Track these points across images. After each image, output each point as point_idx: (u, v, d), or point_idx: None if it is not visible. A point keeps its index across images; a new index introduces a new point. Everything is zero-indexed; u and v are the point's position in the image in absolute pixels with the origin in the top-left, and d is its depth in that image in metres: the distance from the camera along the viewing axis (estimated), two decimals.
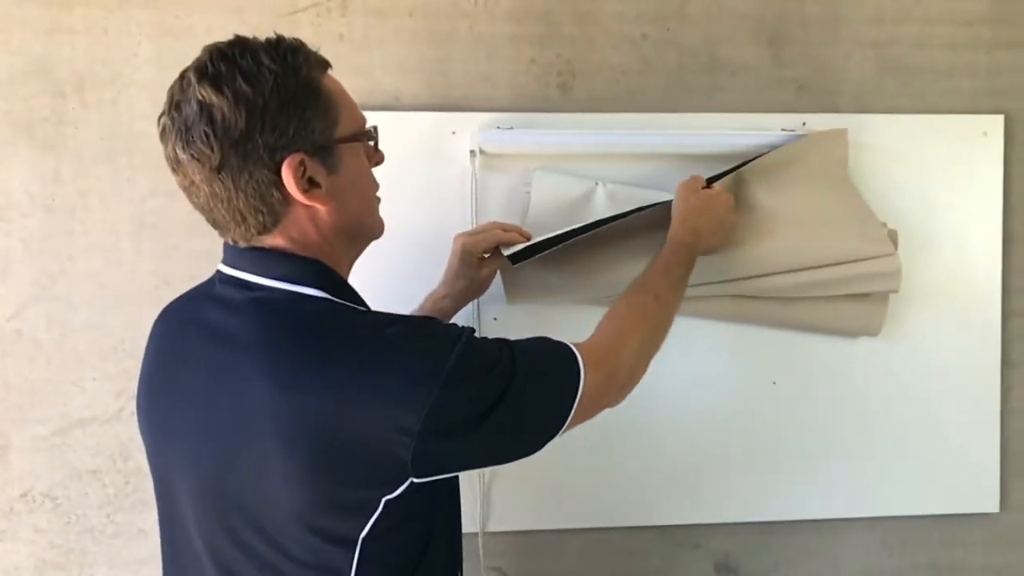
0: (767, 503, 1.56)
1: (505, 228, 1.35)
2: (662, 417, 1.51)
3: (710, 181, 1.38)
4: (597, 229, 1.36)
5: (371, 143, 1.04)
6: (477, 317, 1.47)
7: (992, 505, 1.59)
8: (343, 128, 0.97)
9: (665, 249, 1.28)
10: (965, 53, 1.57)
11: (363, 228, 1.04)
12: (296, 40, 0.96)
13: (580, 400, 1.00)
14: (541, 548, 1.55)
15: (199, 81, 0.90)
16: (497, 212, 1.47)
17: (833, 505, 1.56)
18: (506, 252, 1.33)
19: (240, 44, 0.93)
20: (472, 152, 1.44)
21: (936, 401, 1.56)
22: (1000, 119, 1.56)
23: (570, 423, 1.01)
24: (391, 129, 1.43)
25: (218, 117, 0.89)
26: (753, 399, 1.53)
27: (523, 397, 0.95)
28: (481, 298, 1.44)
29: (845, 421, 1.55)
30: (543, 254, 1.36)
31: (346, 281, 1.02)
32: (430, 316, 1.04)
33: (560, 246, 1.36)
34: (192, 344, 0.99)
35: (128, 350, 1.48)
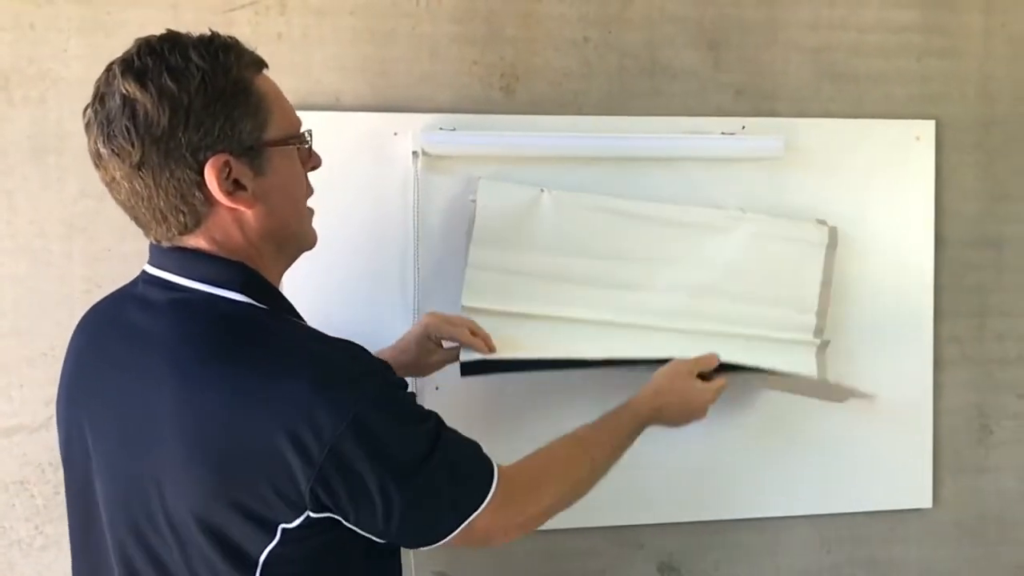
0: (709, 503, 1.57)
1: (475, 331, 1.32)
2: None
3: (722, 366, 1.34)
4: (565, 367, 1.38)
5: (305, 147, 1.01)
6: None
7: (925, 501, 1.64)
8: (274, 130, 0.94)
9: (623, 409, 1.23)
10: (898, 60, 1.60)
11: (291, 234, 1.01)
12: (230, 38, 0.94)
13: (473, 521, 0.96)
14: (485, 550, 1.54)
15: (124, 75, 0.88)
16: (440, 214, 1.46)
17: (773, 504, 1.59)
18: (463, 358, 1.32)
19: (171, 39, 0.91)
20: (414, 153, 1.43)
21: (871, 400, 1.59)
22: (931, 124, 1.60)
23: (449, 539, 0.96)
24: (331, 130, 1.43)
25: (140, 113, 0.87)
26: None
27: (431, 479, 0.92)
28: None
29: (784, 422, 1.57)
30: (499, 374, 1.36)
31: (275, 288, 0.99)
32: (365, 349, 0.99)
33: (520, 371, 1.37)
34: (112, 346, 0.97)
35: (58, 356, 1.40)
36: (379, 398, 0.90)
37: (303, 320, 1.01)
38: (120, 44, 1.08)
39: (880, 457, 1.60)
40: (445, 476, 0.94)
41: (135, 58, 0.89)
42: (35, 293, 1.42)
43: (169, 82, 0.87)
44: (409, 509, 0.91)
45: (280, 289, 1.02)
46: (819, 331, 1.51)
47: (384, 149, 1.44)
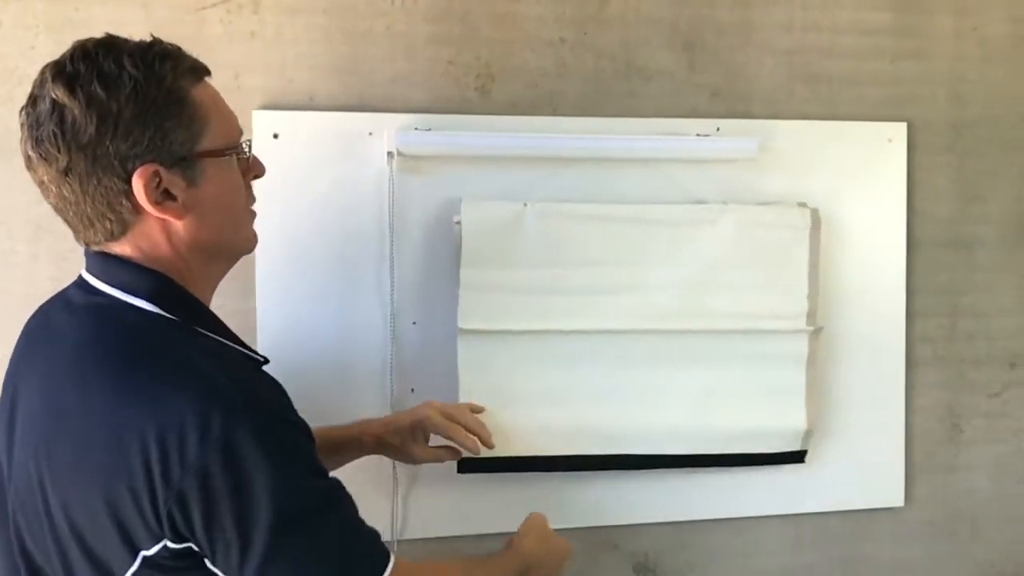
0: (684, 503, 1.57)
1: (471, 428, 1.30)
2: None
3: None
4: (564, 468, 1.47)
5: (244, 157, 1.00)
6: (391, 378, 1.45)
7: (897, 500, 1.65)
8: (209, 141, 0.94)
9: (511, 552, 1.21)
10: (871, 62, 1.62)
11: (225, 245, 1.00)
12: (171, 46, 0.93)
13: None
14: (460, 554, 1.53)
15: (55, 79, 0.87)
16: (415, 215, 1.45)
17: (748, 503, 1.59)
18: (465, 453, 1.34)
19: (107, 44, 0.90)
20: (389, 153, 1.42)
21: (844, 400, 1.60)
22: (903, 126, 1.61)
23: None
24: (305, 130, 1.42)
25: (68, 119, 0.86)
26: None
27: (312, 544, 0.87)
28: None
29: None
30: (499, 472, 1.42)
31: (196, 301, 0.98)
32: (277, 383, 0.95)
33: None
34: (39, 347, 0.97)
35: None
36: (262, 432, 0.85)
37: (226, 335, 0.99)
38: None
39: (853, 456, 1.61)
40: (332, 547, 0.89)
41: (68, 63, 0.88)
42: (2, 294, 1.40)
43: (99, 90, 0.86)
44: (270, 563, 0.85)
45: (208, 298, 1.02)
46: (811, 316, 1.52)
47: (358, 149, 1.43)
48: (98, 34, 0.93)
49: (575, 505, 1.54)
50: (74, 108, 0.86)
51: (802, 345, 1.52)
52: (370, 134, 1.43)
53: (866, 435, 1.62)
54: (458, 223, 1.42)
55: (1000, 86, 1.67)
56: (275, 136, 1.40)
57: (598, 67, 1.53)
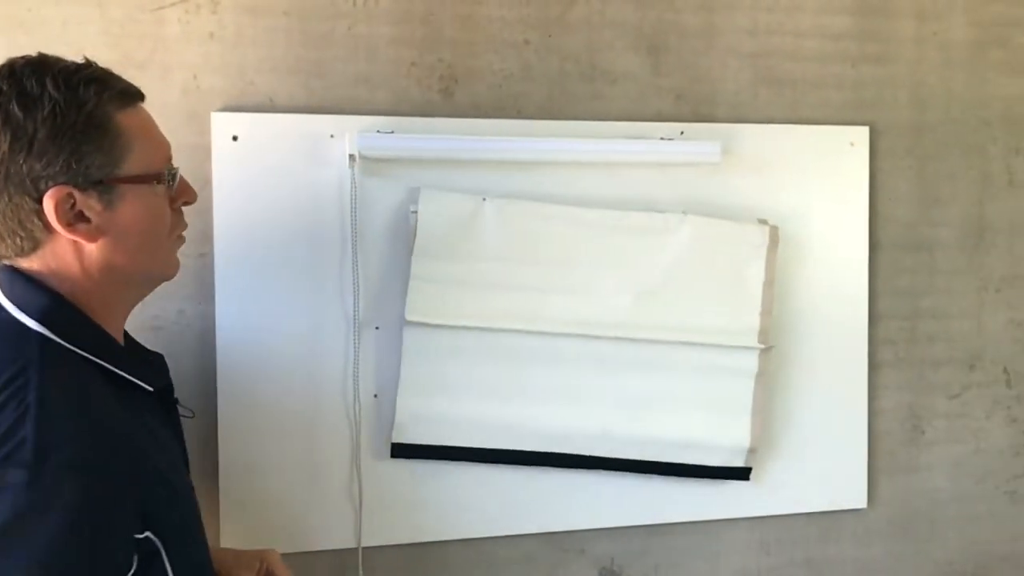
0: (650, 506, 1.57)
1: None
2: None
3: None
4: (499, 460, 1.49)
5: (167, 184, 0.99)
6: (356, 330, 1.43)
7: (860, 501, 1.66)
8: (130, 166, 0.93)
9: None
10: (834, 66, 1.62)
11: (140, 270, 0.99)
12: (101, 71, 0.94)
13: None
14: (425, 561, 1.52)
15: None
16: (377, 218, 1.43)
17: (713, 507, 1.59)
18: (394, 439, 1.43)
19: (36, 64, 0.91)
20: (351, 156, 1.40)
21: (807, 402, 1.61)
22: (865, 130, 1.62)
23: None
24: (265, 132, 1.40)
25: None
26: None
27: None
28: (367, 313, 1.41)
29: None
30: (433, 460, 1.46)
31: (91, 325, 0.95)
32: (96, 447, 0.87)
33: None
34: None
35: None
36: (24, 489, 0.80)
37: (118, 363, 0.96)
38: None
39: (817, 459, 1.62)
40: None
41: None
42: None
43: (17, 109, 0.87)
44: None
45: (118, 322, 1.00)
46: (763, 334, 1.52)
47: (320, 152, 1.41)
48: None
49: (540, 510, 1.53)
50: None
51: (751, 362, 1.52)
52: (331, 136, 1.41)
53: (830, 437, 1.63)
54: (414, 212, 1.41)
55: (960, 90, 1.68)
56: (234, 138, 1.38)
57: (563, 69, 1.52)
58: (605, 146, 1.48)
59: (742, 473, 1.55)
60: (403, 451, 1.43)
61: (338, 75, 1.44)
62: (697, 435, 1.52)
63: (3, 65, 0.91)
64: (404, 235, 1.44)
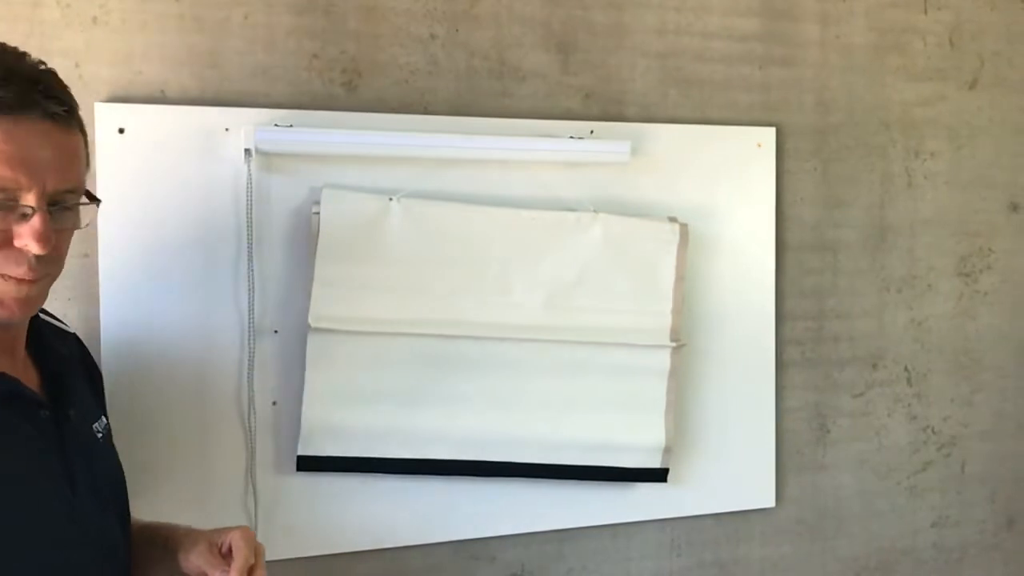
0: (561, 511, 1.55)
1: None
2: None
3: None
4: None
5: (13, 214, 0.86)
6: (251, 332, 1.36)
7: (768, 500, 1.67)
8: None
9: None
10: (741, 68, 1.63)
11: None
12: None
13: None
14: (332, 573, 1.46)
15: None
16: (276, 217, 1.37)
17: (624, 509, 1.58)
18: (300, 451, 1.37)
19: None
20: (247, 151, 1.33)
21: (717, 403, 1.61)
22: (772, 131, 1.64)
23: None
24: (156, 125, 1.32)
25: None
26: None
27: None
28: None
29: None
30: (339, 472, 1.41)
31: None
32: None
33: None
34: None
35: None
36: None
37: None
38: None
39: (727, 459, 1.62)
40: None
41: None
42: None
43: None
44: None
45: None
46: (675, 332, 1.52)
47: (214, 146, 1.34)
48: None
49: (449, 518, 1.49)
50: None
51: (664, 360, 1.51)
52: (227, 130, 1.34)
53: (739, 438, 1.63)
54: (316, 212, 1.35)
55: (861, 93, 1.72)
56: (120, 131, 1.30)
57: (471, 66, 1.48)
58: (514, 144, 1.45)
59: (660, 475, 1.53)
60: (310, 464, 1.37)
61: (234, 66, 1.37)
62: (614, 436, 1.50)
63: None
64: (306, 236, 1.37)
